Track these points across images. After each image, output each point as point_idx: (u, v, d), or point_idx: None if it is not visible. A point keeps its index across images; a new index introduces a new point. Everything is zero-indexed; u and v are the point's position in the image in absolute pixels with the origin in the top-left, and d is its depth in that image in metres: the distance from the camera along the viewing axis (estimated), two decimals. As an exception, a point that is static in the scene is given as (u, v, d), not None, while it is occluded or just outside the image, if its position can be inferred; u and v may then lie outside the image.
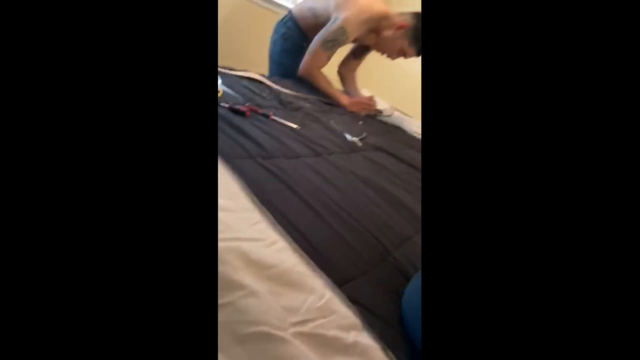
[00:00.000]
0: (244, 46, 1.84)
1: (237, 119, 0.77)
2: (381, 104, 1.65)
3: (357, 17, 1.24)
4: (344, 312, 0.35)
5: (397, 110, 1.72)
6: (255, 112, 0.90)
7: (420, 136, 1.43)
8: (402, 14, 1.29)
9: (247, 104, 0.91)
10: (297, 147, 0.77)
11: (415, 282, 0.43)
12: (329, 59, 1.33)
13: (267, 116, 0.91)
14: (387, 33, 1.29)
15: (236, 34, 1.93)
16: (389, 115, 1.53)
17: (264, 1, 2.11)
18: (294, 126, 0.93)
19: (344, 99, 1.39)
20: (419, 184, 0.86)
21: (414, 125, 1.52)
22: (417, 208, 0.71)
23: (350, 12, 1.23)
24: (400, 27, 1.26)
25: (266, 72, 1.57)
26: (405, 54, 1.32)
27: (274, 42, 1.49)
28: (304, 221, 0.50)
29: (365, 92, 1.72)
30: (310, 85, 1.37)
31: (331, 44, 1.27)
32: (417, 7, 1.36)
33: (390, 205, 0.67)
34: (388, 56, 1.37)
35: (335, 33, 1.25)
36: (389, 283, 0.47)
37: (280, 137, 0.78)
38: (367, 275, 0.47)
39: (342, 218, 0.55)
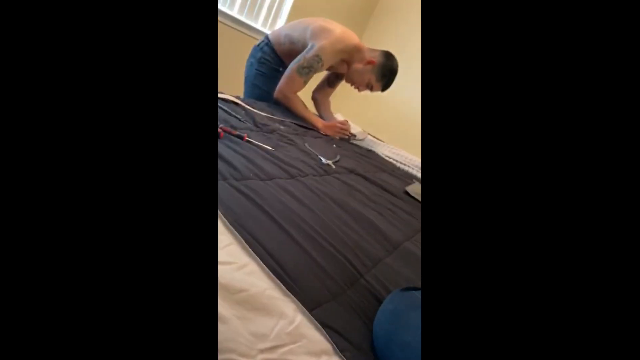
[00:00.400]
0: (220, 68, 1.85)
1: (210, 140, 0.77)
2: (354, 129, 1.70)
3: (333, 46, 1.31)
4: (315, 337, 0.34)
5: (369, 134, 1.77)
6: (229, 133, 0.90)
7: (390, 159, 1.48)
8: (372, 50, 1.40)
9: (220, 125, 0.91)
10: (271, 169, 0.77)
11: (386, 305, 0.44)
12: (304, 83, 1.38)
13: (241, 137, 0.91)
14: (358, 66, 1.39)
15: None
16: (361, 139, 1.57)
17: (241, 26, 2.16)
18: (269, 148, 0.93)
19: (319, 122, 1.43)
20: (390, 206, 0.89)
21: (385, 149, 1.57)
22: (389, 230, 0.73)
23: (326, 42, 1.30)
24: (369, 62, 1.37)
25: (241, 94, 1.58)
26: (372, 88, 1.43)
27: (249, 65, 1.52)
28: (276, 244, 0.49)
29: (338, 117, 1.77)
30: (286, 108, 1.40)
31: (307, 70, 1.33)
32: (387, 46, 1.49)
33: (362, 228, 0.68)
34: (356, 87, 1.47)
35: (311, 60, 1.31)
36: (361, 306, 0.47)
37: (253, 158, 0.78)
38: (338, 298, 0.46)
39: (314, 240, 0.55)
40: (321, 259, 0.51)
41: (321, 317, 0.40)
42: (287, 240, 0.52)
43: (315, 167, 0.93)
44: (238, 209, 0.54)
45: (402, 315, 0.39)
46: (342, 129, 1.45)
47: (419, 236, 0.78)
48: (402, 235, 0.74)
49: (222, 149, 0.76)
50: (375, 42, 1.52)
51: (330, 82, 1.64)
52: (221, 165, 0.67)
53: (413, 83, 2.67)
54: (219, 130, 0.86)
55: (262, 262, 0.42)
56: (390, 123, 2.77)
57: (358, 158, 1.26)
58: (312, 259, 0.50)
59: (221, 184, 0.60)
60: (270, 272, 0.41)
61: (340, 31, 1.34)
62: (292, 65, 1.34)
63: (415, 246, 0.72)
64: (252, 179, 0.68)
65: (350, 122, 1.60)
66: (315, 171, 0.91)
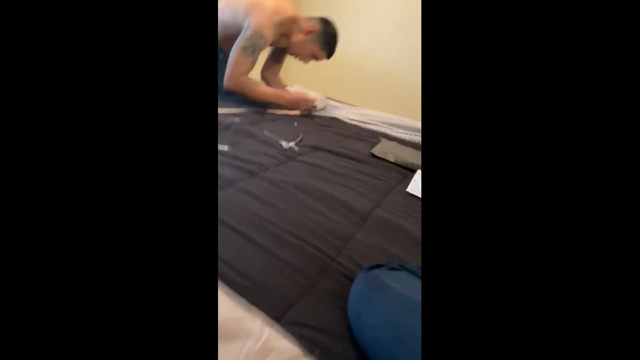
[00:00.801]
0: None
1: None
2: (313, 96, 1.66)
3: (270, 19, 1.25)
4: (284, 347, 0.36)
5: (329, 98, 1.74)
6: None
7: (354, 122, 1.47)
8: (309, 19, 1.35)
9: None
10: (228, 172, 0.76)
11: (354, 289, 0.45)
12: (253, 63, 1.32)
13: (194, 146, 0.89)
14: (297, 37, 1.35)
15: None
16: (322, 108, 1.54)
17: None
18: (225, 148, 0.92)
19: (284, 96, 1.37)
20: (358, 175, 0.89)
21: (348, 113, 1.55)
22: (357, 202, 0.74)
23: (261, 16, 1.24)
24: (309, 32, 1.33)
25: None
26: (317, 58, 1.40)
27: None
28: (235, 253, 0.50)
29: (296, 89, 1.72)
30: (241, 95, 1.35)
31: (251, 50, 1.27)
32: (324, 13, 1.43)
33: (329, 207, 0.69)
34: (301, 59, 1.43)
35: (252, 39, 1.25)
36: (336, 292, 0.49)
37: (209, 166, 0.76)
38: (312, 291, 0.48)
39: (278, 237, 0.56)
40: (287, 255, 0.52)
41: (295, 318, 0.42)
42: (247, 246, 0.52)
43: (277, 156, 0.92)
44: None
45: (367, 297, 0.41)
46: (308, 101, 1.41)
47: (388, 200, 0.80)
48: (370, 203, 0.75)
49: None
50: (315, 9, 1.46)
51: (276, 57, 1.57)
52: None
53: (365, 29, 2.57)
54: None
55: (222, 280, 0.43)
56: (347, 80, 2.71)
57: (321, 131, 1.25)
58: (277, 257, 0.51)
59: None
60: (231, 290, 0.42)
61: (272, 3, 1.27)
62: (234, 49, 1.27)
63: (384, 210, 0.73)
64: (209, 190, 0.67)
65: (307, 91, 1.56)
66: (277, 160, 0.90)
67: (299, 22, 1.34)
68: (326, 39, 1.36)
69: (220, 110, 1.22)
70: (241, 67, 1.28)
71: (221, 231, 0.54)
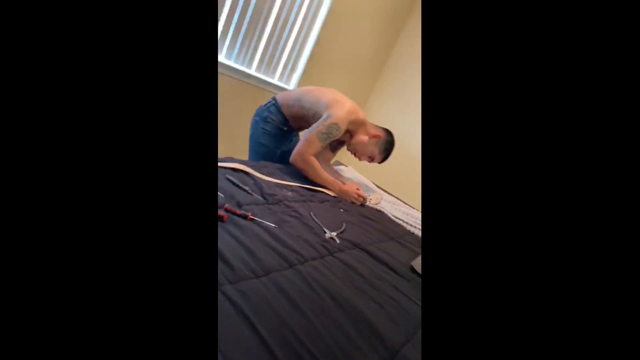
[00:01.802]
0: (226, 129, 1.93)
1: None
2: (368, 188, 1.71)
3: (348, 116, 1.45)
4: None
5: (383, 190, 1.77)
6: (233, 213, 0.92)
7: (399, 221, 1.45)
8: (376, 126, 1.56)
9: (225, 205, 0.93)
10: (269, 258, 0.77)
11: None
12: (322, 148, 1.46)
13: (245, 217, 0.93)
14: (362, 138, 1.52)
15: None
16: (375, 204, 1.57)
17: (260, 82, 2.27)
18: (272, 225, 0.95)
19: (337, 185, 1.46)
20: (394, 293, 0.86)
21: (393, 209, 1.55)
22: (387, 329, 0.70)
23: (342, 112, 1.43)
24: (374, 136, 1.52)
25: (246, 154, 1.67)
26: (373, 159, 1.57)
27: (254, 123, 1.63)
28: (240, 353, 0.48)
29: (350, 170, 1.78)
30: (302, 170, 1.44)
31: (325, 136, 1.42)
32: (385, 124, 1.60)
33: (357, 329, 0.66)
34: (357, 156, 1.59)
35: (330, 127, 1.42)
36: None
37: (253, 246, 0.79)
38: None
39: (293, 351, 0.54)
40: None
41: None
42: (257, 349, 0.51)
43: (317, 247, 0.93)
44: (222, 326, 0.53)
45: None
46: (358, 197, 1.48)
47: (420, 334, 0.74)
48: (402, 335, 0.71)
49: (222, 237, 0.78)
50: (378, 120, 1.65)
51: (333, 147, 1.73)
52: (218, 265, 0.68)
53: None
54: (222, 213, 0.89)
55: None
56: (400, 171, 2.76)
57: (365, 225, 1.25)
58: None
59: (213, 291, 0.60)
60: None
61: (351, 104, 1.48)
62: (311, 131, 1.42)
63: (415, 349, 0.68)
64: (248, 277, 0.68)
65: (366, 182, 1.63)
66: (316, 252, 0.90)
67: (366, 126, 1.54)
68: (386, 146, 1.53)
69: (276, 180, 1.29)
70: (312, 147, 1.42)
71: (245, 335, 0.54)
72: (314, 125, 1.42)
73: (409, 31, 2.98)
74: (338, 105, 1.44)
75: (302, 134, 1.45)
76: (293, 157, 1.43)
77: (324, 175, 1.45)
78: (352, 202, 1.46)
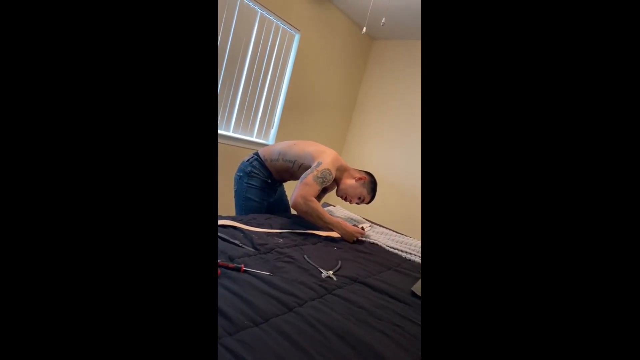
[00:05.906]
0: (226, 185, 1.99)
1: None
2: (354, 220, 1.73)
3: (334, 164, 1.56)
4: None
5: (370, 222, 1.79)
6: (227, 267, 0.92)
7: (395, 250, 1.46)
8: (358, 170, 1.69)
9: (218, 261, 0.94)
10: (266, 305, 0.77)
11: None
12: (319, 191, 1.51)
13: (238, 269, 0.93)
14: (350, 182, 1.64)
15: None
16: (369, 227, 1.60)
17: (238, 142, 2.37)
18: (266, 273, 0.95)
19: (340, 226, 1.48)
20: (398, 320, 0.85)
21: (387, 240, 1.56)
22: (394, 356, 0.68)
23: (329, 159, 1.54)
24: (360, 179, 1.63)
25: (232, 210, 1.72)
26: (363, 200, 1.66)
27: (238, 179, 1.70)
28: None
29: (339, 209, 1.81)
30: (305, 213, 1.46)
31: (321, 180, 1.49)
32: (364, 160, 1.73)
33: (366, 362, 0.65)
34: (347, 199, 1.67)
35: (324, 172, 1.50)
36: None
37: (249, 296, 0.78)
38: None
39: None
40: None
41: None
42: None
43: (315, 287, 0.93)
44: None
45: None
46: (362, 234, 1.53)
47: (430, 356, 0.73)
48: (411, 359, 0.69)
49: (218, 292, 0.78)
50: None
51: (318, 195, 1.79)
52: (214, 318, 0.67)
53: (406, 159, 2.79)
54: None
55: None
56: (389, 202, 2.82)
57: (360, 258, 1.25)
58: None
59: (213, 345, 0.59)
60: None
61: (334, 153, 1.60)
62: (306, 175, 1.48)
63: (427, 373, 0.67)
64: (247, 327, 0.68)
65: (352, 215, 1.66)
66: (315, 293, 0.90)
67: (349, 171, 1.67)
68: (372, 185, 1.66)
69: (265, 230, 1.31)
70: (312, 190, 1.46)
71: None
72: (307, 172, 1.49)
73: (369, 76, 3.24)
74: (324, 154, 1.56)
75: (297, 182, 1.50)
76: (295, 201, 1.43)
77: (327, 216, 1.47)
78: (354, 242, 1.47)
